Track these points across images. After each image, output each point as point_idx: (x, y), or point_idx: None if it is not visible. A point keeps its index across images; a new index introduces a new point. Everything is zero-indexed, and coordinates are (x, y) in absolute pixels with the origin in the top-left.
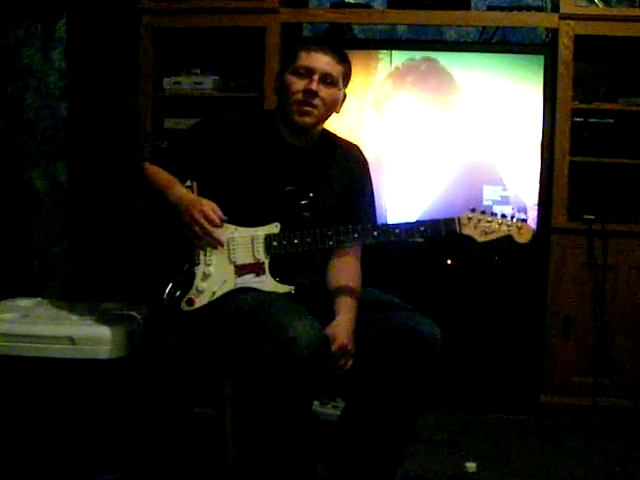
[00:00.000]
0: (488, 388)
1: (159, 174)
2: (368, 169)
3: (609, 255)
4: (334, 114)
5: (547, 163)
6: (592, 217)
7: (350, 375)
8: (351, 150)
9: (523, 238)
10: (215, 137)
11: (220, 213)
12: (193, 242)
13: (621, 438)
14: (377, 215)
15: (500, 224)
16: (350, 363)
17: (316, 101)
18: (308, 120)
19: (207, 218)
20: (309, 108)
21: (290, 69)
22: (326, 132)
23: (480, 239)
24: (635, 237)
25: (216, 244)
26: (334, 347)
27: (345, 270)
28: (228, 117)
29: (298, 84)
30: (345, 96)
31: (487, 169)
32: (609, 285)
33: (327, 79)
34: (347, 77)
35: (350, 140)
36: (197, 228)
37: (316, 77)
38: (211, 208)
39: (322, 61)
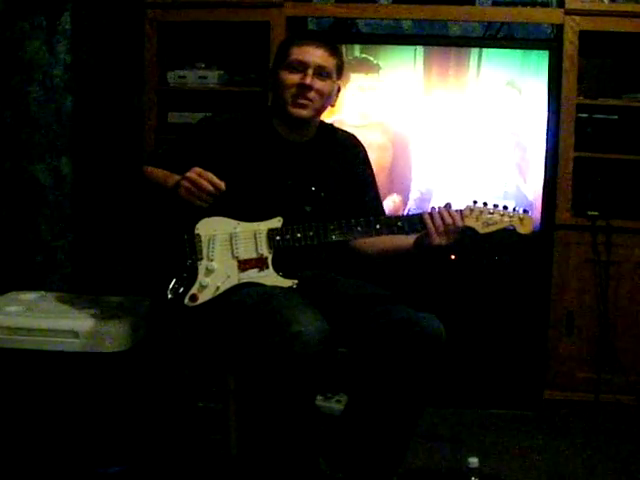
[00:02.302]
0: (491, 383)
1: (157, 171)
2: (368, 157)
3: (613, 251)
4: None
5: (551, 159)
6: (596, 213)
7: (353, 369)
8: (349, 140)
9: (525, 229)
10: (213, 137)
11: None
12: (194, 235)
13: (624, 434)
14: (382, 201)
15: (502, 215)
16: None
17: (311, 94)
18: (304, 113)
19: (200, 175)
20: (305, 101)
21: (283, 64)
22: (323, 124)
23: (482, 230)
24: (639, 234)
25: (216, 189)
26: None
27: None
28: (224, 117)
29: (292, 78)
30: (339, 88)
31: (491, 164)
32: (613, 281)
33: (321, 72)
34: (340, 69)
35: (348, 131)
36: (192, 187)
37: (310, 71)
38: (202, 169)
39: (315, 54)
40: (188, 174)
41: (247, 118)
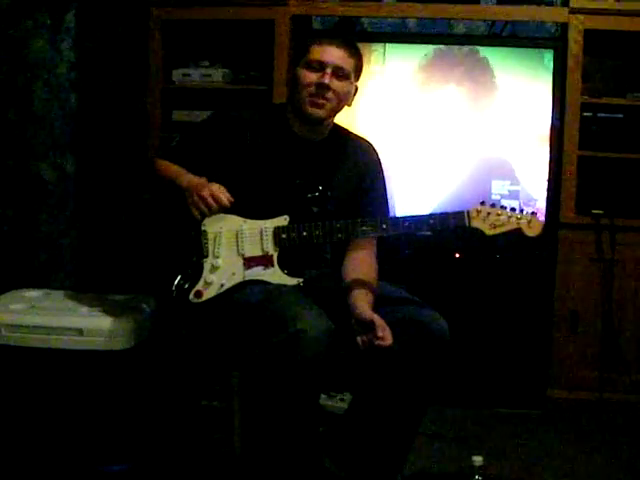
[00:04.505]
0: (495, 382)
1: (169, 166)
2: (380, 166)
3: (617, 250)
4: (345, 107)
5: (556, 158)
6: (600, 212)
7: (357, 368)
8: (363, 146)
9: (533, 231)
10: (226, 131)
11: (228, 195)
12: (200, 231)
13: (628, 433)
14: (389, 212)
15: (509, 217)
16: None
17: (328, 94)
18: (320, 112)
19: (214, 197)
20: (321, 100)
21: (302, 62)
22: (338, 127)
23: (489, 232)
24: None
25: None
26: (379, 324)
27: (361, 265)
28: (238, 111)
29: (310, 77)
30: (357, 89)
31: (496, 163)
32: (617, 280)
33: (339, 72)
34: (359, 70)
35: (363, 136)
36: (203, 206)
37: (328, 71)
38: (219, 189)
39: (334, 55)
40: (202, 192)
41: (261, 113)
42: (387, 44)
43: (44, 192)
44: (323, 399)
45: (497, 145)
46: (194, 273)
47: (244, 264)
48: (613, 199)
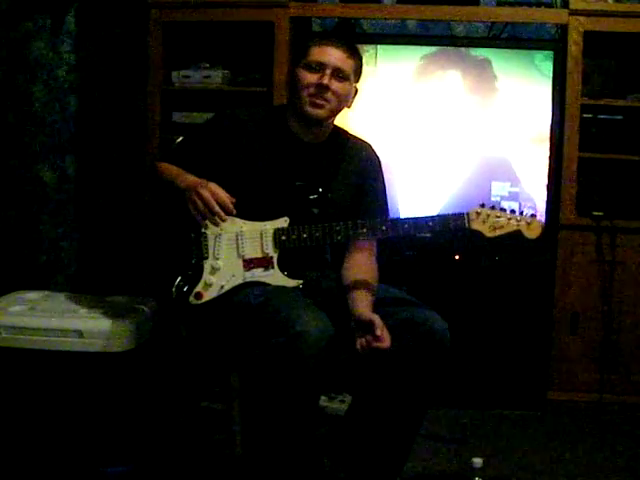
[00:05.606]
0: (495, 384)
1: (170, 168)
2: (380, 168)
3: (617, 252)
4: (345, 109)
5: (556, 159)
6: (601, 213)
7: (357, 369)
8: (363, 148)
9: (533, 233)
10: (226, 132)
11: (228, 195)
12: (200, 233)
13: (628, 434)
14: (389, 214)
15: (509, 219)
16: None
17: (328, 95)
18: (320, 113)
19: (215, 196)
20: (321, 102)
21: (302, 63)
22: (338, 129)
23: (489, 234)
24: None
25: (218, 221)
26: (378, 324)
27: (361, 267)
28: (239, 112)
29: (310, 78)
30: (357, 91)
31: (496, 165)
32: (617, 282)
33: (339, 73)
34: (358, 71)
35: (363, 138)
36: (201, 204)
37: (328, 71)
38: (222, 190)
39: (334, 55)
40: (201, 190)
41: (262, 115)
42: (379, 45)
43: (44, 194)
44: (323, 400)
45: (497, 146)
46: (194, 275)
47: (244, 266)
48: (613, 200)
